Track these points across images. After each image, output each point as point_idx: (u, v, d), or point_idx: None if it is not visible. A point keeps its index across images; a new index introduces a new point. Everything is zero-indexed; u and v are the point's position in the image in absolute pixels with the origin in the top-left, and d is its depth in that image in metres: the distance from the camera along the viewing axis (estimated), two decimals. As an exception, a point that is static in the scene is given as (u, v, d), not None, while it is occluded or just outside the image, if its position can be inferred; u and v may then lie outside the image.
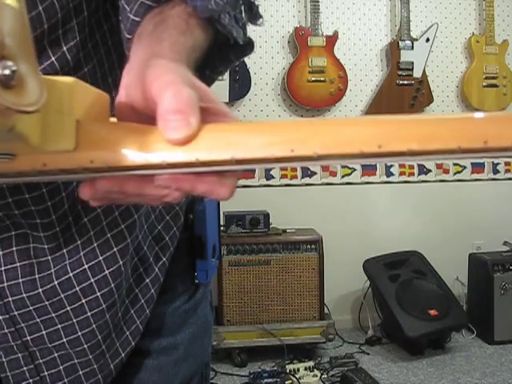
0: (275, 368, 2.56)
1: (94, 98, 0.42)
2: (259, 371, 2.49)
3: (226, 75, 2.82)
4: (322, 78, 3.00)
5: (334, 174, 3.17)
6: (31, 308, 0.63)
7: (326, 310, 2.77)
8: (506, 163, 3.37)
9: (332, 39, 3.03)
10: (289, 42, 3.08)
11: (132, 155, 0.37)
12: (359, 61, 3.17)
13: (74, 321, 0.64)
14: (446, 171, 3.30)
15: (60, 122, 0.38)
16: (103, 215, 0.63)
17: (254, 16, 0.61)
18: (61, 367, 0.66)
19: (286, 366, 2.49)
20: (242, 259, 2.63)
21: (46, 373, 0.65)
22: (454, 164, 3.31)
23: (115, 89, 0.61)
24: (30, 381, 0.65)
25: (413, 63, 3.11)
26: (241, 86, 2.94)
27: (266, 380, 2.42)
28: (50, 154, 0.38)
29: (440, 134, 0.32)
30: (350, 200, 3.19)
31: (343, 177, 3.18)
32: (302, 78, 2.99)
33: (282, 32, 3.07)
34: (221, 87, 2.82)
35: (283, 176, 3.12)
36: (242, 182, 3.06)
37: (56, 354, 0.65)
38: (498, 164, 3.36)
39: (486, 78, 3.20)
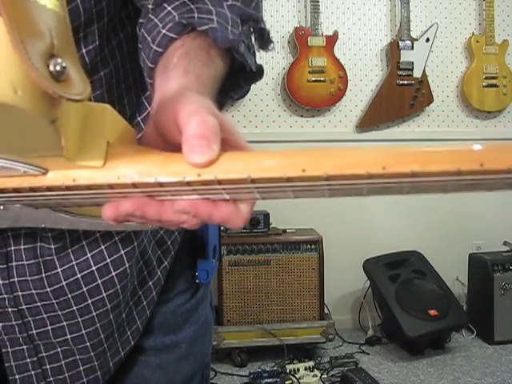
0: (275, 368, 2.56)
1: (124, 126, 0.46)
2: (259, 371, 2.49)
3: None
4: (321, 78, 3.00)
5: (334, 174, 3.17)
6: (39, 304, 0.65)
7: (326, 310, 2.77)
8: (506, 163, 3.37)
9: (332, 39, 3.03)
10: (289, 42, 3.08)
11: (156, 173, 0.40)
12: (359, 61, 3.17)
13: (79, 319, 0.66)
14: (446, 171, 3.30)
15: (93, 140, 0.42)
16: None
17: (265, 42, 0.64)
18: (63, 362, 0.68)
19: (286, 366, 2.48)
20: (242, 259, 2.63)
21: (48, 366, 0.67)
22: (454, 164, 3.30)
23: (128, 96, 0.64)
24: (32, 372, 0.67)
25: (413, 63, 3.11)
26: (241, 86, 2.93)
27: (266, 380, 2.41)
28: (79, 169, 0.41)
29: (441, 157, 0.36)
30: (350, 200, 3.19)
31: (343, 177, 3.18)
32: (302, 78, 2.99)
33: (282, 32, 3.07)
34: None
35: (283, 176, 3.11)
36: (242, 182, 3.05)
37: (59, 349, 0.67)
38: (498, 164, 3.36)
39: (486, 77, 3.20)
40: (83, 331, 0.66)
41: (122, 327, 0.69)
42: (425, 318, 2.69)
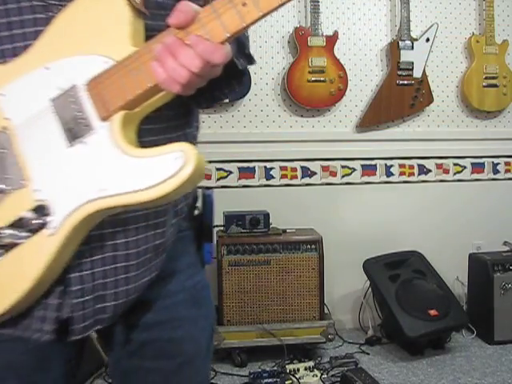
0: (275, 368, 2.56)
1: None
2: (259, 371, 2.49)
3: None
4: (322, 78, 3.00)
5: (333, 174, 3.17)
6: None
7: (326, 310, 2.77)
8: (506, 163, 3.37)
9: (332, 39, 3.03)
10: (289, 42, 3.08)
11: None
12: (359, 61, 3.17)
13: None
14: (446, 171, 3.30)
15: None
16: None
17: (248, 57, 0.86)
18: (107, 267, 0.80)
19: (286, 366, 2.48)
20: (242, 259, 2.63)
21: (95, 269, 0.79)
22: (454, 164, 3.31)
23: None
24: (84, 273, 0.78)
25: (413, 63, 3.11)
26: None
27: (266, 380, 2.41)
28: None
29: None
30: (350, 200, 3.19)
31: (343, 177, 3.18)
32: (302, 78, 2.99)
33: (282, 32, 3.06)
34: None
35: (283, 176, 3.12)
36: (242, 182, 3.06)
37: (106, 254, 0.80)
38: (498, 164, 3.36)
39: (486, 77, 3.20)
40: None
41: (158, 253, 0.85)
42: (425, 318, 2.69)
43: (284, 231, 2.77)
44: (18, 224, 0.71)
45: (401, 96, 3.13)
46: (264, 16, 0.64)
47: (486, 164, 3.34)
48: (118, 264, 0.79)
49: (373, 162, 3.21)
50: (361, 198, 3.20)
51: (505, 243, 3.05)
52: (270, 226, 2.73)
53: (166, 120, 0.81)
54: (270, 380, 2.41)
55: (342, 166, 3.17)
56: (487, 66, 3.20)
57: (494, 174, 3.36)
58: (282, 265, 2.66)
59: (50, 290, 0.75)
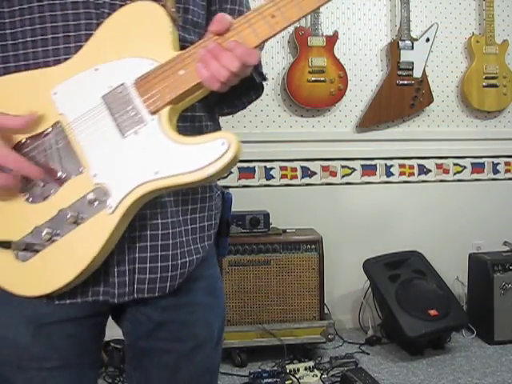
0: (275, 368, 2.56)
1: None
2: (259, 371, 2.49)
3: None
4: (322, 78, 3.00)
5: (333, 174, 3.17)
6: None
7: (326, 310, 2.77)
8: (506, 163, 3.37)
9: (332, 39, 3.03)
10: (289, 42, 3.08)
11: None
12: (359, 61, 3.17)
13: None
14: (446, 171, 3.30)
15: None
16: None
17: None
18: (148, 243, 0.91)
19: (286, 366, 2.48)
20: (242, 259, 2.63)
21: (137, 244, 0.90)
22: (454, 164, 3.31)
23: None
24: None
25: (413, 63, 3.11)
26: (241, 86, 2.94)
27: (266, 380, 2.42)
28: None
29: None
30: (350, 200, 3.19)
31: (343, 177, 3.18)
32: (302, 78, 2.99)
33: (282, 32, 3.06)
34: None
35: (283, 176, 3.12)
36: (242, 181, 3.06)
37: (149, 232, 0.90)
38: (497, 164, 3.36)
39: (486, 77, 3.20)
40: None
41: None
42: (425, 318, 2.69)
43: (284, 231, 2.77)
44: (81, 204, 0.81)
45: (401, 96, 3.13)
46: (290, 25, 0.81)
47: (486, 164, 3.34)
48: (156, 242, 0.90)
49: (373, 162, 3.21)
50: (361, 198, 3.20)
51: (505, 243, 3.05)
52: (270, 226, 2.73)
53: (192, 120, 0.95)
54: (269, 380, 2.41)
55: (342, 166, 3.18)
56: (487, 66, 3.20)
57: (494, 174, 3.36)
58: (281, 265, 2.66)
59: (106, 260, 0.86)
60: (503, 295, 2.83)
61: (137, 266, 0.89)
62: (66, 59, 0.84)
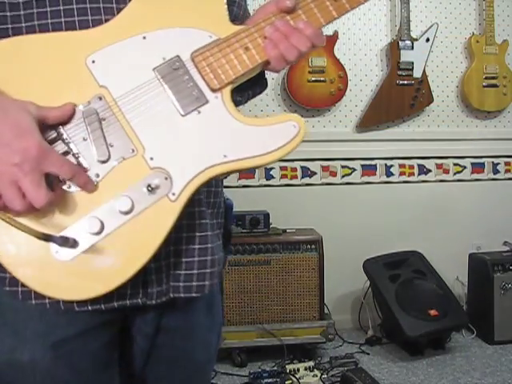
0: (275, 368, 2.56)
1: None
2: (259, 371, 2.49)
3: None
4: (321, 78, 3.00)
5: (333, 174, 3.17)
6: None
7: (326, 310, 2.77)
8: (506, 163, 3.37)
9: (332, 39, 3.03)
10: (289, 42, 3.08)
11: None
12: (359, 61, 3.17)
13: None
14: (446, 171, 3.30)
15: None
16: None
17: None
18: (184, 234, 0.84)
19: (286, 366, 2.48)
20: (242, 259, 2.63)
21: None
22: (454, 164, 3.31)
23: None
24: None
25: (413, 63, 3.11)
26: (241, 86, 2.94)
27: (266, 380, 2.41)
28: None
29: None
30: (350, 200, 3.19)
31: (343, 177, 3.18)
32: (302, 78, 2.99)
33: (282, 32, 3.06)
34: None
35: (283, 176, 3.12)
36: (242, 182, 3.06)
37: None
38: (497, 164, 3.36)
39: (486, 78, 3.20)
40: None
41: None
42: (425, 318, 2.69)
43: (284, 231, 2.77)
44: (136, 191, 0.71)
45: (401, 96, 3.13)
46: (351, 10, 0.82)
47: (486, 164, 3.34)
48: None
49: (373, 162, 3.21)
50: (361, 198, 3.20)
51: (505, 243, 3.05)
52: (270, 226, 2.73)
53: None
54: (270, 380, 2.41)
55: (342, 166, 3.17)
56: (487, 66, 3.20)
57: (494, 174, 3.36)
58: (282, 265, 2.66)
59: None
60: (503, 295, 2.83)
61: (172, 260, 0.81)
62: (103, 21, 0.73)
